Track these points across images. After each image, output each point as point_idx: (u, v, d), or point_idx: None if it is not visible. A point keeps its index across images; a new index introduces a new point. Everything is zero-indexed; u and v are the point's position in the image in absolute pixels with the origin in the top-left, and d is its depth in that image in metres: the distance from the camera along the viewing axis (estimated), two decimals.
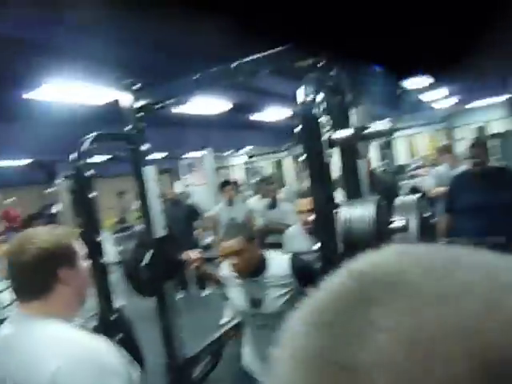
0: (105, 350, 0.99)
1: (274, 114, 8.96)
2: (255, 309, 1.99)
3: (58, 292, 1.06)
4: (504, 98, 11.74)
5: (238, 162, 15.03)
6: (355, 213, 1.25)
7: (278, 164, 14.94)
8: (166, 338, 2.15)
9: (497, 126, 12.72)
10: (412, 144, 14.10)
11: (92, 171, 1.92)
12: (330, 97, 1.42)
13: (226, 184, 5.02)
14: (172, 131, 7.54)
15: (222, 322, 4.83)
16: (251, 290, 2.00)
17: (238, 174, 13.81)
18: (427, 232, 1.34)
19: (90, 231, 1.76)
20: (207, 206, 10.78)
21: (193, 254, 2.23)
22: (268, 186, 4.97)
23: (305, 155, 1.33)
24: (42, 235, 1.07)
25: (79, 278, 1.11)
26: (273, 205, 4.74)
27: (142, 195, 2.16)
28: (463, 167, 3.97)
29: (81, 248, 1.15)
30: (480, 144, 3.25)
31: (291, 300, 1.93)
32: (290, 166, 12.81)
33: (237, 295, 2.07)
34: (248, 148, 11.71)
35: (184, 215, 5.40)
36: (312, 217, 2.49)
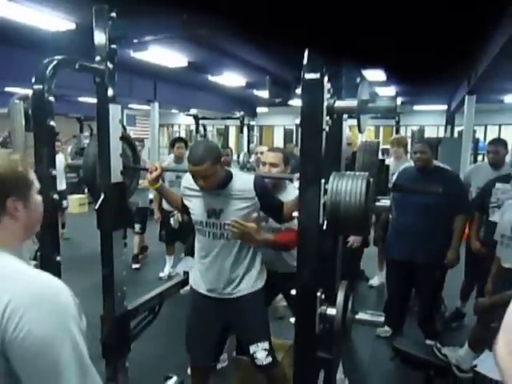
0: (62, 288, 0.89)
1: (229, 78, 8.75)
2: (214, 219, 2.09)
3: (4, 225, 0.93)
4: (442, 107, 12.51)
5: (183, 122, 14.61)
6: (345, 186, 1.23)
7: (220, 130, 14.75)
8: (107, 288, 2.05)
9: (431, 131, 13.59)
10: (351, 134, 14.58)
11: (52, 98, 1.72)
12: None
13: (177, 141, 4.92)
14: (122, 78, 7.09)
15: (161, 275, 4.87)
16: (213, 201, 2.09)
17: (182, 134, 13.48)
18: None
19: (45, 163, 1.58)
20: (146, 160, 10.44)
21: (156, 164, 2.27)
22: (223, 150, 5.05)
23: (302, 118, 1.28)
24: None
25: (30, 213, 0.98)
26: None
27: (103, 135, 1.99)
28: (407, 163, 4.14)
29: (36, 180, 1.01)
30: (424, 141, 3.43)
31: (248, 214, 2.07)
32: (234, 134, 12.73)
33: (197, 205, 2.14)
34: (195, 110, 11.42)
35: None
36: (275, 170, 2.53)
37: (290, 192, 2.41)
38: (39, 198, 1.02)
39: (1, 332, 0.79)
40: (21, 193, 0.95)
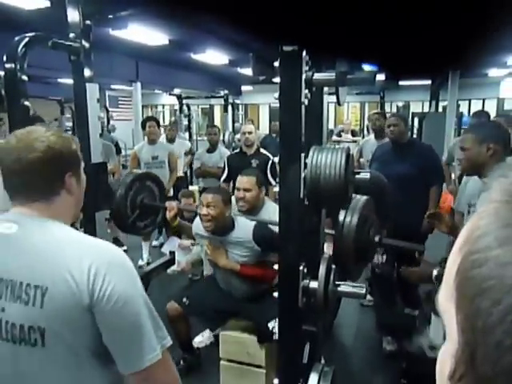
0: (124, 254, 0.98)
1: (212, 56, 8.60)
2: None
3: (62, 198, 0.99)
4: (427, 82, 12.45)
5: (167, 102, 14.38)
6: (325, 159, 1.23)
7: (205, 110, 14.60)
8: None
9: (417, 106, 13.60)
10: (338, 112, 14.58)
11: (25, 77, 1.67)
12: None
13: (148, 119, 4.65)
14: (102, 57, 6.92)
15: (140, 263, 4.79)
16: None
17: (166, 114, 13.32)
18: None
19: None
20: (128, 142, 10.29)
21: (173, 204, 2.55)
22: (211, 129, 4.86)
23: (281, 91, 1.26)
24: (49, 135, 0.96)
25: (80, 189, 1.05)
26: (212, 149, 4.69)
27: (81, 116, 1.95)
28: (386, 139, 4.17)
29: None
30: (397, 114, 3.55)
31: (249, 259, 2.34)
32: (219, 113, 12.59)
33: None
34: (179, 89, 11.26)
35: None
36: (248, 194, 2.57)
37: (269, 209, 2.57)
38: (84, 175, 1.08)
39: (90, 290, 0.88)
40: (75, 169, 1.02)
